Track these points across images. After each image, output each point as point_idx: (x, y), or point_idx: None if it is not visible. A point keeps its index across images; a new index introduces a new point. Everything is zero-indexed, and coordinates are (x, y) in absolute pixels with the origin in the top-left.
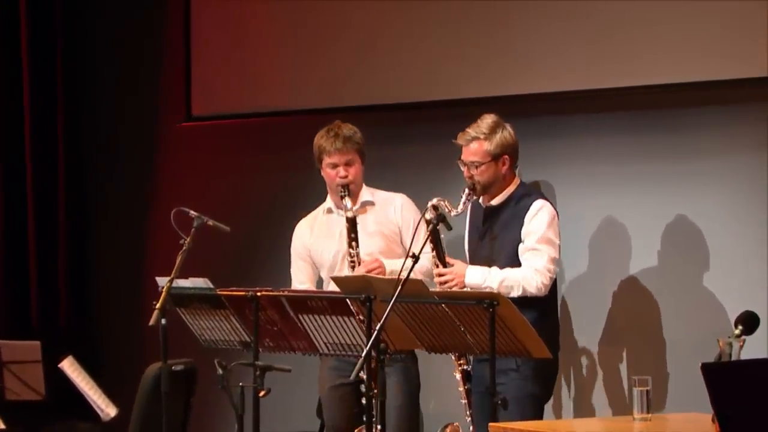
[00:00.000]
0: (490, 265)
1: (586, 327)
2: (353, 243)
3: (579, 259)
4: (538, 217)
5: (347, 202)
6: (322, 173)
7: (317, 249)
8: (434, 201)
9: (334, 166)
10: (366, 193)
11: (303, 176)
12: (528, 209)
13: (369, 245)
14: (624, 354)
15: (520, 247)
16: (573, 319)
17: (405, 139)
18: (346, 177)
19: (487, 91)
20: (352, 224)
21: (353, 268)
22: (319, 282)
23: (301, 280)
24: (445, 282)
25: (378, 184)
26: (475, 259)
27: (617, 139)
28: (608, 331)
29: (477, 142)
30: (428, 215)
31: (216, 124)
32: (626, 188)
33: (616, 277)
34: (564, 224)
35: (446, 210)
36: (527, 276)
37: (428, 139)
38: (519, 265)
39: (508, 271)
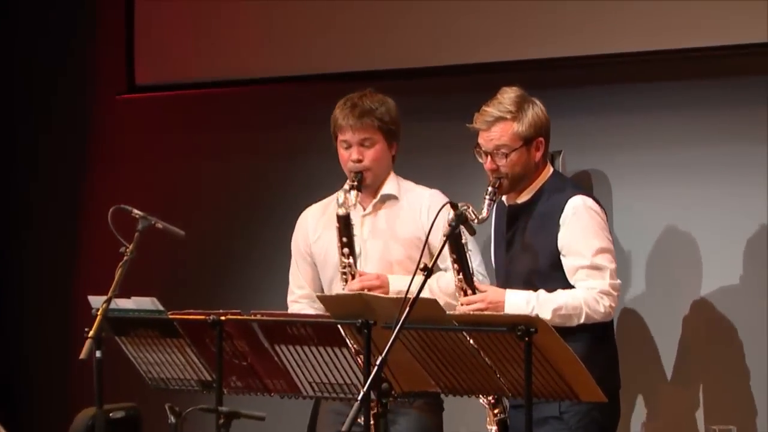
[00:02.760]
0: (528, 286)
1: (648, 361)
2: (345, 249)
3: (637, 273)
4: (579, 221)
5: (351, 195)
6: (339, 154)
7: (322, 245)
8: (456, 211)
9: (348, 145)
10: (391, 185)
11: (284, 163)
12: (562, 210)
13: (381, 251)
14: (700, 395)
15: (567, 263)
16: (630, 351)
17: (408, 114)
18: (359, 161)
19: (514, 53)
20: (343, 224)
21: (346, 281)
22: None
23: (299, 284)
24: (478, 311)
25: None
26: (506, 279)
27: (692, 112)
28: (679, 366)
29: (502, 124)
30: (445, 229)
31: (166, 96)
32: (703, 183)
33: (687, 297)
34: (618, 228)
35: (472, 216)
36: (589, 299)
37: (437, 114)
38: (562, 283)
39: (563, 295)
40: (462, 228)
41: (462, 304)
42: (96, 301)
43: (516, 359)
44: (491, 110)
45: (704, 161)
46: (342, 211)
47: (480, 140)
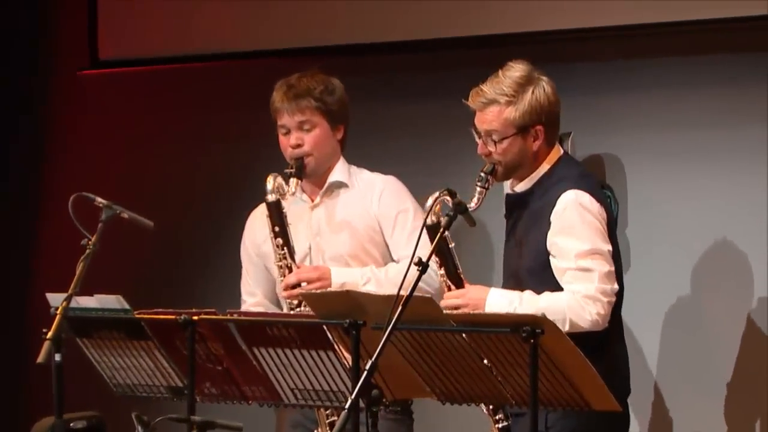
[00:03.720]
0: (518, 285)
1: (668, 364)
2: (278, 239)
3: (655, 271)
4: (567, 220)
5: (291, 183)
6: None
7: (270, 246)
8: (436, 195)
9: (286, 131)
10: (339, 172)
11: (266, 146)
12: (554, 205)
13: (334, 245)
14: (722, 405)
15: (554, 264)
16: (651, 351)
17: (394, 95)
18: (298, 146)
19: (515, 25)
20: (274, 211)
21: (283, 274)
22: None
23: (250, 290)
24: (455, 309)
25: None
26: (505, 271)
27: (720, 89)
28: (706, 373)
29: (495, 108)
30: (429, 218)
31: (133, 71)
32: (732, 170)
33: (715, 298)
34: (637, 216)
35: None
36: (573, 306)
37: (428, 95)
38: (554, 285)
39: (546, 299)
40: (440, 218)
41: (445, 299)
42: (55, 299)
43: (520, 363)
44: (487, 90)
45: (734, 145)
46: (272, 198)
47: (475, 119)
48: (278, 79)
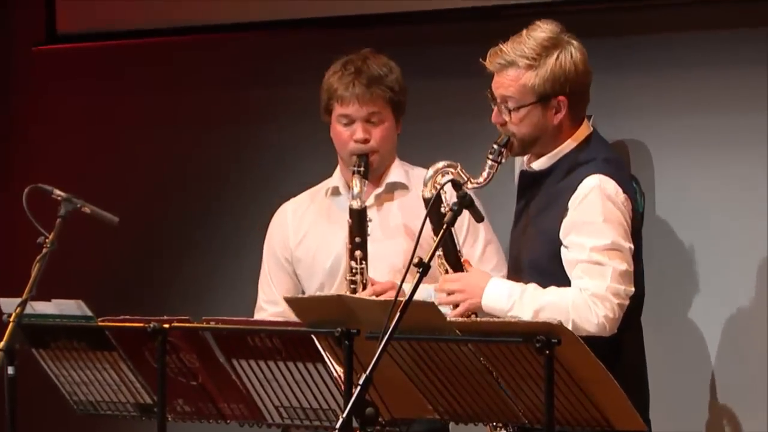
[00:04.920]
0: (520, 277)
1: (693, 374)
2: (358, 251)
3: (685, 268)
4: (588, 207)
5: (355, 183)
6: (331, 131)
7: (309, 246)
8: (439, 166)
9: (349, 121)
10: (397, 172)
11: (246, 130)
12: (574, 190)
13: (387, 253)
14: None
15: (566, 257)
16: (667, 367)
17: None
18: (366, 141)
19: None
20: (358, 220)
21: (354, 291)
22: None
23: (272, 298)
24: (448, 295)
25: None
26: (508, 264)
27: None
28: (744, 383)
29: (513, 71)
30: (427, 192)
31: (94, 47)
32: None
33: (751, 297)
34: (663, 210)
35: (464, 179)
36: (579, 305)
37: (437, 73)
38: (555, 282)
39: (550, 294)
40: (441, 192)
41: (441, 282)
42: (7, 305)
43: (534, 377)
44: (507, 50)
45: None
46: (357, 204)
47: (492, 82)
48: (260, 55)
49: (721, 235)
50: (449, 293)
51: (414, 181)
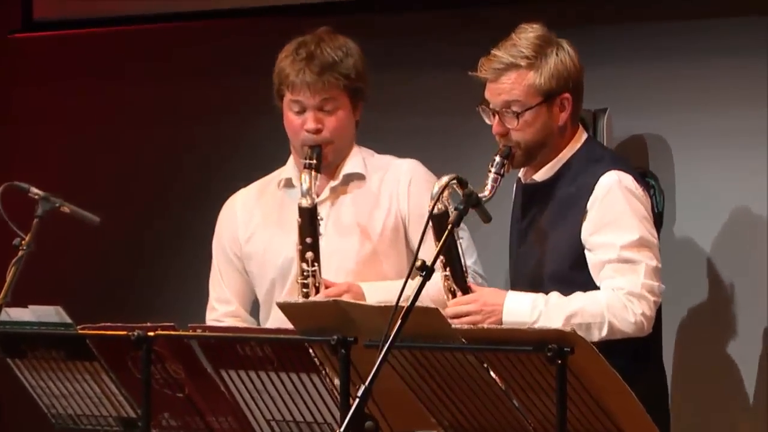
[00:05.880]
0: (537, 287)
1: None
2: (309, 252)
3: (704, 268)
4: (612, 205)
5: (304, 179)
6: (284, 118)
7: (260, 241)
8: (444, 180)
9: (301, 109)
10: (354, 161)
11: (229, 122)
12: (591, 191)
13: (341, 250)
14: None
15: (592, 259)
16: (688, 372)
17: (388, 63)
18: (318, 131)
19: None
20: (308, 219)
21: (307, 295)
22: (255, 307)
23: (223, 297)
24: (465, 316)
25: None
26: (516, 278)
27: None
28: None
29: (515, 73)
30: (436, 207)
31: (72, 34)
32: None
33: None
34: (683, 209)
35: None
36: (614, 305)
37: (428, 64)
38: (582, 288)
39: (580, 299)
40: (449, 209)
41: (451, 306)
42: None
43: (545, 388)
44: (502, 54)
45: None
46: (306, 202)
47: (486, 94)
48: (246, 43)
49: (745, 238)
50: (466, 316)
51: (371, 169)
